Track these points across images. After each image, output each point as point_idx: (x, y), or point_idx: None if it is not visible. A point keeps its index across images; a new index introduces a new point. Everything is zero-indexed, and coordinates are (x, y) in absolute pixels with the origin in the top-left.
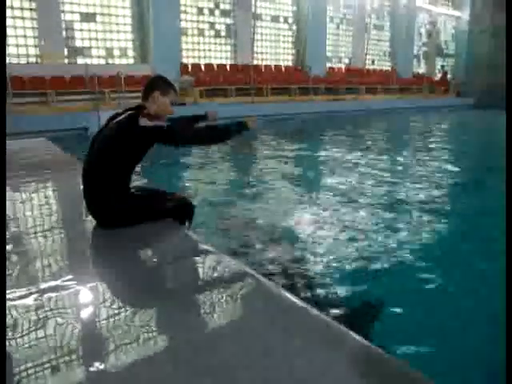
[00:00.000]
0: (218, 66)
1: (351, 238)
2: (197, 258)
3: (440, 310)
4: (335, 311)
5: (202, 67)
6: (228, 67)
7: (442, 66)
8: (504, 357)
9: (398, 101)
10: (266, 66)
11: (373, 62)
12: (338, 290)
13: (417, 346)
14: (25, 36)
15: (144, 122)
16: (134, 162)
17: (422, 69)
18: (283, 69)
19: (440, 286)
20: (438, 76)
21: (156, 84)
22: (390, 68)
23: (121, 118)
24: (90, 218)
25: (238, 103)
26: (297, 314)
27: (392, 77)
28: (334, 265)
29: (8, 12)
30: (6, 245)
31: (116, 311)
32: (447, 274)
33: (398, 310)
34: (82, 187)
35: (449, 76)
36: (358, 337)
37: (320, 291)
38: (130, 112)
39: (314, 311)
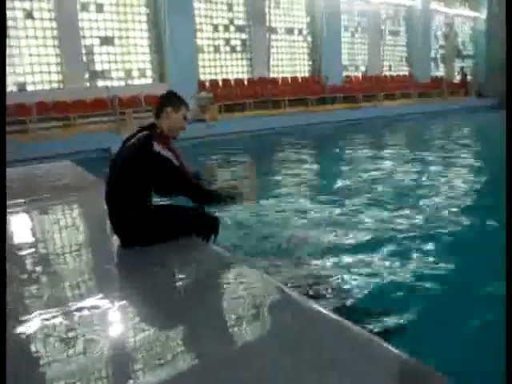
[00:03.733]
0: (235, 80)
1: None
2: (223, 273)
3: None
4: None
5: (220, 83)
6: (245, 81)
7: (461, 68)
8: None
9: (417, 105)
10: (282, 78)
11: (390, 68)
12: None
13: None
14: (48, 64)
15: (158, 148)
16: (154, 178)
17: (440, 72)
18: (300, 80)
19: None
20: (458, 78)
21: (167, 100)
22: (407, 73)
23: (135, 139)
24: (114, 237)
25: (255, 116)
26: (326, 326)
27: (410, 82)
28: (360, 274)
29: (32, 41)
30: (36, 266)
31: (144, 329)
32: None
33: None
34: (106, 206)
35: (468, 77)
36: (391, 348)
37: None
38: (145, 133)
39: (345, 323)
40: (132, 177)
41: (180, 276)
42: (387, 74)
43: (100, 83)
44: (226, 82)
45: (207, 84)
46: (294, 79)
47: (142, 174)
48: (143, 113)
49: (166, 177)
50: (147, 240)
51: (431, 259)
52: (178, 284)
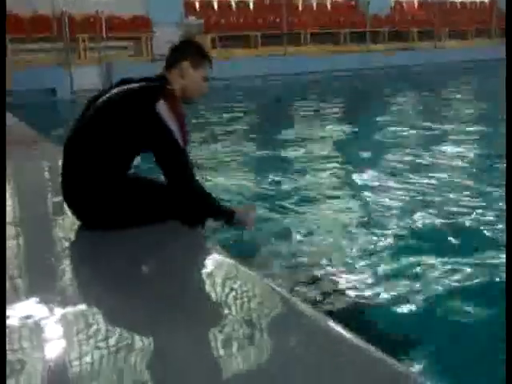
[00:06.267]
0: (238, 2)
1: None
2: (214, 273)
3: None
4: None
5: (215, 4)
6: (251, 4)
7: None
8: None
9: (501, 48)
10: (304, 1)
11: None
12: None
13: None
14: None
15: (164, 110)
16: (140, 146)
17: None
18: (329, 5)
19: None
20: None
21: (185, 51)
22: (487, 0)
23: (135, 86)
24: (62, 216)
25: (265, 56)
26: (347, 349)
27: (491, 12)
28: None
29: None
30: None
31: (97, 349)
32: None
33: None
34: (60, 171)
35: None
36: (417, 375)
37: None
38: (150, 84)
39: (366, 346)
40: (114, 131)
41: (155, 275)
42: None
43: None
44: (223, 3)
45: (197, 5)
46: (321, 4)
47: (131, 134)
48: (104, 41)
49: (158, 151)
50: (115, 222)
51: None
52: (152, 286)
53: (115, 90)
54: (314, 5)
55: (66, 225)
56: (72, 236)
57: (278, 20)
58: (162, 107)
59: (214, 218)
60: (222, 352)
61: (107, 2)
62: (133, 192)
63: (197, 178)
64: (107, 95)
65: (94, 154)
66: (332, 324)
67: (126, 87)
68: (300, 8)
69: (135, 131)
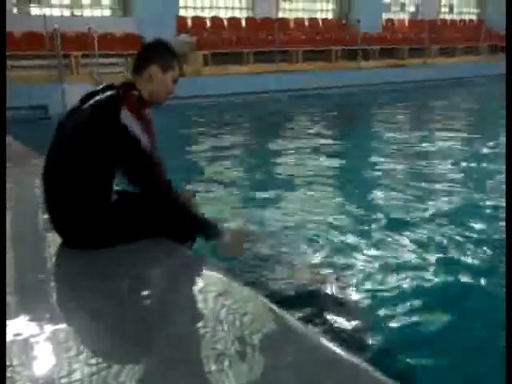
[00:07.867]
0: (230, 20)
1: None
2: (205, 289)
3: None
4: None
5: (208, 22)
6: (243, 22)
7: None
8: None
9: (489, 65)
10: (296, 19)
11: (451, 9)
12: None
13: None
14: None
15: (129, 119)
16: (113, 162)
17: None
18: (321, 23)
19: None
20: None
21: (155, 54)
22: (476, 18)
23: (97, 99)
24: (52, 233)
25: (257, 73)
26: (341, 366)
27: (480, 30)
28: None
29: None
30: None
31: (87, 365)
32: None
33: None
34: (41, 191)
35: None
36: None
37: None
38: (110, 93)
39: (360, 363)
40: (87, 150)
41: (143, 293)
42: (447, 17)
43: (34, 11)
44: (216, 21)
45: (189, 23)
46: (313, 22)
47: (102, 147)
48: (96, 58)
49: (127, 165)
50: (100, 241)
51: None
52: (139, 305)
53: (83, 107)
54: (306, 23)
55: (58, 242)
56: (63, 254)
57: (270, 37)
58: (126, 117)
59: (201, 233)
60: (213, 368)
61: (100, 19)
62: (119, 210)
63: (173, 189)
64: (76, 116)
65: (73, 179)
66: (325, 341)
67: (91, 103)
68: (292, 26)
69: (107, 147)
